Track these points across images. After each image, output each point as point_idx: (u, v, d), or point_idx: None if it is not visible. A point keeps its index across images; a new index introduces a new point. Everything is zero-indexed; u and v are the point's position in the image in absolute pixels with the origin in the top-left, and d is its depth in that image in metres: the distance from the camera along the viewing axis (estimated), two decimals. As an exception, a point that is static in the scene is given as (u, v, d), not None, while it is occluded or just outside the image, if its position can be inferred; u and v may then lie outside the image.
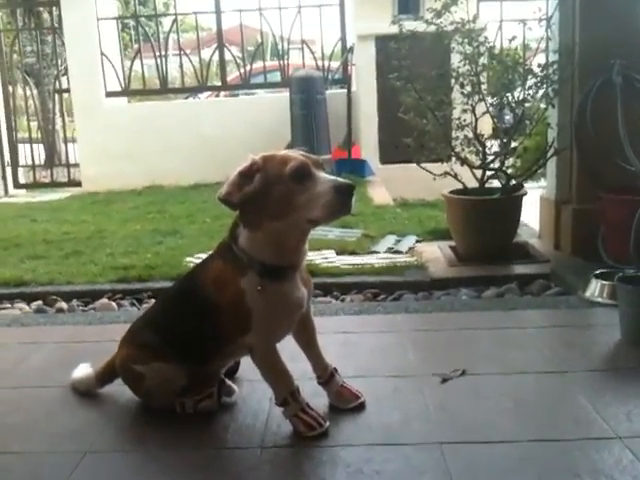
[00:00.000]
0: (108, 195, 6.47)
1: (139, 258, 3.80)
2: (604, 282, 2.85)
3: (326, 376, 1.94)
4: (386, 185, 6.09)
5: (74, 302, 3.28)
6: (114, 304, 3.21)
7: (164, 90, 7.49)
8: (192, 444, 1.80)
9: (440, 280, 3.36)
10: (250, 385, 2.06)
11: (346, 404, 1.91)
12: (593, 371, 2.18)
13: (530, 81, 3.47)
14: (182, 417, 1.91)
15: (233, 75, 7.99)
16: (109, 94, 7.19)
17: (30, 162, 7.53)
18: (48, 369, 2.32)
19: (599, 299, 2.85)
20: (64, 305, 3.23)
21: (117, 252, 4.01)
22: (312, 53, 7.13)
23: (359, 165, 6.46)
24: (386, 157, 6.54)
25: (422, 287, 3.32)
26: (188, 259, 3.71)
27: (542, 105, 3.73)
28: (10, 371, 2.32)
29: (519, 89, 3.53)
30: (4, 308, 3.23)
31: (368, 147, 6.72)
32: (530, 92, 3.53)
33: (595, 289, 2.90)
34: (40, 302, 3.27)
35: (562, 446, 1.65)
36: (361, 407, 1.91)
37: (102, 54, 7.00)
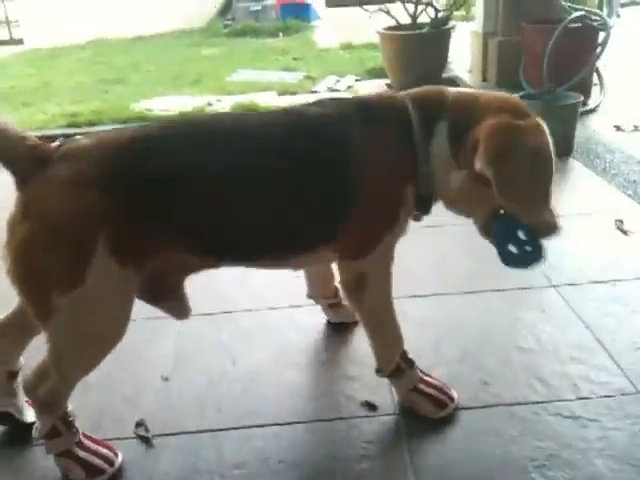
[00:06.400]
0: (52, 51, 6.36)
1: (87, 106, 3.92)
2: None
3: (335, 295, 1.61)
4: (333, 29, 6.09)
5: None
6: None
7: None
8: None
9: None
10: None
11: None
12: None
13: None
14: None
15: None
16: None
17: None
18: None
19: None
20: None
21: (65, 101, 4.11)
22: None
23: (304, 9, 6.43)
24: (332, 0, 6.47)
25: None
26: (134, 104, 3.86)
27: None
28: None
29: None
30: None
31: (313, -10, 6.63)
32: None
33: (507, 112, 3.17)
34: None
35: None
36: None
37: None
